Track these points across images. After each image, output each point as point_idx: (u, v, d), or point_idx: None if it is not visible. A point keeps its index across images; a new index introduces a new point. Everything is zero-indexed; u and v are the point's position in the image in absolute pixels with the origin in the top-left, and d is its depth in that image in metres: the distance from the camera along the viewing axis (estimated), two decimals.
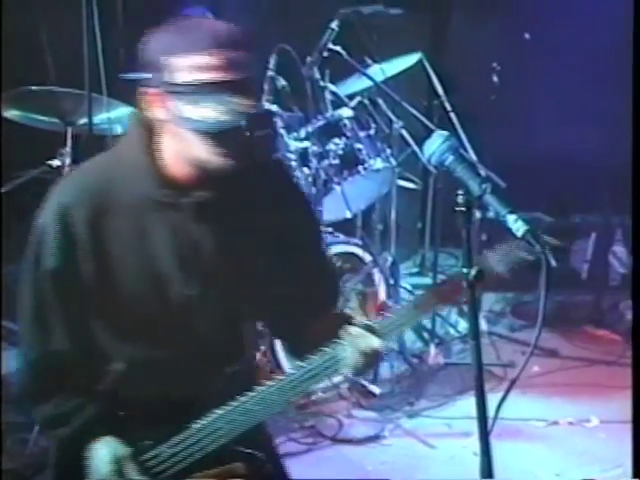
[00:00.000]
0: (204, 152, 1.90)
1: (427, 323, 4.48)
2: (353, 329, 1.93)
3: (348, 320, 1.99)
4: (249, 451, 2.02)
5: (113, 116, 3.57)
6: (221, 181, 1.96)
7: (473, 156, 4.03)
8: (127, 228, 1.98)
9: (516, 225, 1.58)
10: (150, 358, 2.03)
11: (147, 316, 2.01)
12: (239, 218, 2.03)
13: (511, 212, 1.59)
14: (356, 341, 1.91)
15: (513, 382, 1.70)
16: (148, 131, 1.98)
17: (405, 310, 1.95)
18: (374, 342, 1.91)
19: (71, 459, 2.02)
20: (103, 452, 1.98)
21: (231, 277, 2.02)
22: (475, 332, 1.63)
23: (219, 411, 1.96)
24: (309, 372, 1.93)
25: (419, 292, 2.03)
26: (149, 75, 1.90)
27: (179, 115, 1.88)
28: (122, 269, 1.99)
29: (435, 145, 1.65)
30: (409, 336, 4.43)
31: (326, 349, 1.93)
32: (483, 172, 3.86)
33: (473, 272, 1.58)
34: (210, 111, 1.85)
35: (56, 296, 2.01)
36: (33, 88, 3.59)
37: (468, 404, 3.76)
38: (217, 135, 1.87)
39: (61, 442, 2.07)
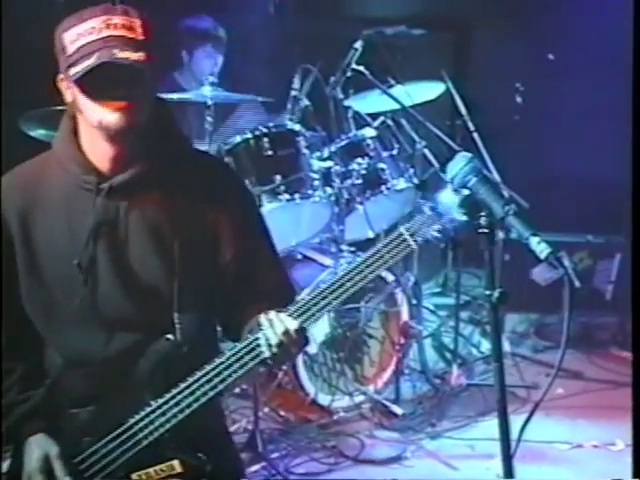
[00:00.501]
0: (98, 109, 1.95)
1: (450, 343, 4.46)
2: (271, 313, 1.96)
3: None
4: (187, 449, 2.04)
5: None
6: (140, 165, 2.04)
7: (496, 176, 4.02)
8: (55, 217, 2.07)
9: (539, 247, 1.57)
10: (84, 346, 2.08)
11: (76, 303, 2.05)
12: (162, 201, 2.08)
13: (534, 234, 1.58)
14: (274, 325, 1.94)
15: (537, 404, 1.69)
16: (71, 122, 2.08)
17: (323, 292, 1.96)
18: (291, 324, 1.93)
19: (17, 452, 2.05)
20: (33, 448, 2.02)
21: (155, 259, 2.06)
22: (498, 354, 1.62)
23: (153, 403, 2.00)
24: (233, 358, 1.98)
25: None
26: (59, 64, 2.00)
27: (70, 80, 1.94)
28: (51, 257, 2.07)
29: (458, 167, 1.64)
30: (431, 356, 4.42)
31: (249, 335, 1.98)
32: (506, 192, 3.85)
33: (496, 294, 1.58)
34: (90, 61, 1.90)
35: None
36: (59, 108, 3.62)
37: (491, 425, 3.73)
38: (102, 85, 1.92)
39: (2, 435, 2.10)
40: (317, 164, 3.88)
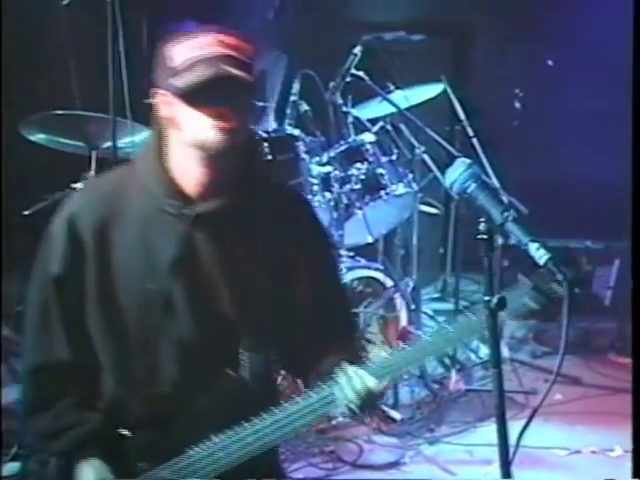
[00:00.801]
0: (201, 125, 1.89)
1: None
2: (350, 369, 1.90)
3: (353, 357, 1.96)
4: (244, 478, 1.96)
5: (137, 140, 3.60)
6: (228, 194, 1.98)
7: (495, 182, 4.03)
8: (132, 237, 1.99)
9: (538, 253, 1.57)
10: (146, 371, 2.01)
11: (144, 328, 2.00)
12: (243, 234, 2.02)
13: (533, 240, 1.58)
14: (352, 382, 1.89)
15: (535, 410, 1.69)
16: (160, 140, 2.00)
17: (407, 353, 1.90)
18: (370, 383, 1.88)
19: (67, 475, 2.00)
20: (88, 474, 1.97)
21: (229, 293, 2.00)
22: (496, 359, 1.62)
23: (216, 440, 1.93)
24: (305, 409, 1.91)
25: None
26: (158, 78, 1.95)
27: (175, 91, 1.89)
28: (124, 278, 1.99)
29: (457, 173, 1.64)
30: (430, 362, 4.41)
31: (323, 386, 1.92)
32: (505, 198, 3.85)
33: (495, 300, 1.58)
34: (202, 72, 1.86)
35: (59, 303, 2.02)
36: (59, 112, 3.63)
37: (489, 431, 3.70)
38: (210, 99, 1.87)
39: (57, 457, 2.04)
40: (316, 169, 3.89)
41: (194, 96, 1.88)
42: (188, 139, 1.93)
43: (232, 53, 1.89)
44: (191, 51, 1.89)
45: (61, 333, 2.02)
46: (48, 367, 2.03)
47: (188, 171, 1.98)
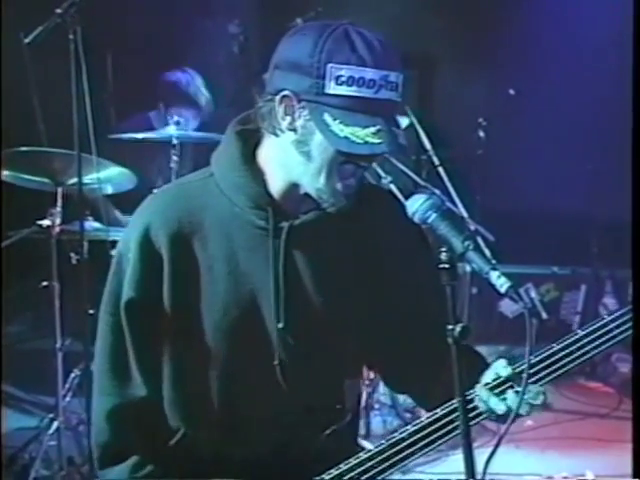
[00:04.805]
0: (324, 179, 1.70)
1: None
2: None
3: (481, 365, 1.80)
4: None
5: (103, 176, 3.60)
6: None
7: (462, 210, 4.06)
8: (216, 253, 1.74)
9: (499, 281, 1.58)
10: (233, 409, 1.79)
11: (233, 359, 1.76)
12: (344, 248, 1.80)
13: (494, 268, 1.59)
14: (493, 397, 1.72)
15: (501, 437, 1.69)
16: (249, 144, 1.77)
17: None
18: (512, 403, 1.71)
19: None
20: None
21: (332, 314, 1.78)
22: (461, 388, 1.62)
23: (325, 477, 1.74)
24: (432, 427, 1.74)
25: None
26: (290, 78, 1.69)
27: (322, 128, 1.65)
28: (209, 300, 1.75)
29: (417, 204, 1.64)
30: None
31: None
32: (472, 226, 3.88)
33: (458, 328, 1.58)
34: (359, 130, 1.65)
35: (136, 332, 1.77)
36: (23, 149, 3.62)
37: (462, 459, 3.72)
38: (350, 161, 1.69)
39: None
40: None
41: (343, 153, 1.69)
42: (296, 178, 1.73)
43: (393, 98, 1.74)
44: (353, 84, 1.67)
45: (137, 368, 1.78)
46: (125, 410, 1.79)
47: (284, 187, 1.75)
